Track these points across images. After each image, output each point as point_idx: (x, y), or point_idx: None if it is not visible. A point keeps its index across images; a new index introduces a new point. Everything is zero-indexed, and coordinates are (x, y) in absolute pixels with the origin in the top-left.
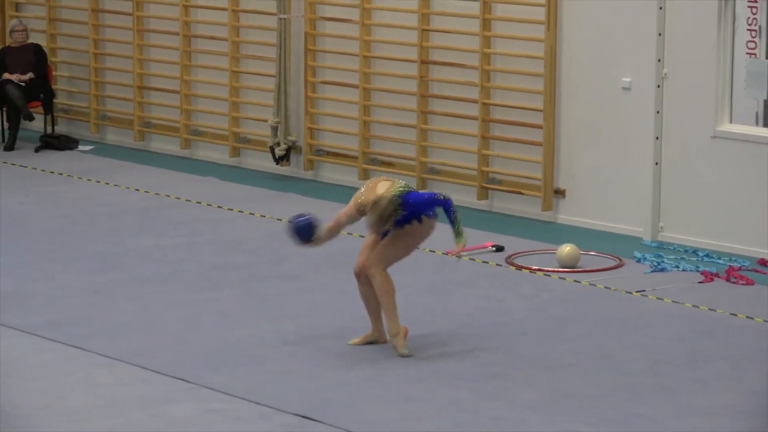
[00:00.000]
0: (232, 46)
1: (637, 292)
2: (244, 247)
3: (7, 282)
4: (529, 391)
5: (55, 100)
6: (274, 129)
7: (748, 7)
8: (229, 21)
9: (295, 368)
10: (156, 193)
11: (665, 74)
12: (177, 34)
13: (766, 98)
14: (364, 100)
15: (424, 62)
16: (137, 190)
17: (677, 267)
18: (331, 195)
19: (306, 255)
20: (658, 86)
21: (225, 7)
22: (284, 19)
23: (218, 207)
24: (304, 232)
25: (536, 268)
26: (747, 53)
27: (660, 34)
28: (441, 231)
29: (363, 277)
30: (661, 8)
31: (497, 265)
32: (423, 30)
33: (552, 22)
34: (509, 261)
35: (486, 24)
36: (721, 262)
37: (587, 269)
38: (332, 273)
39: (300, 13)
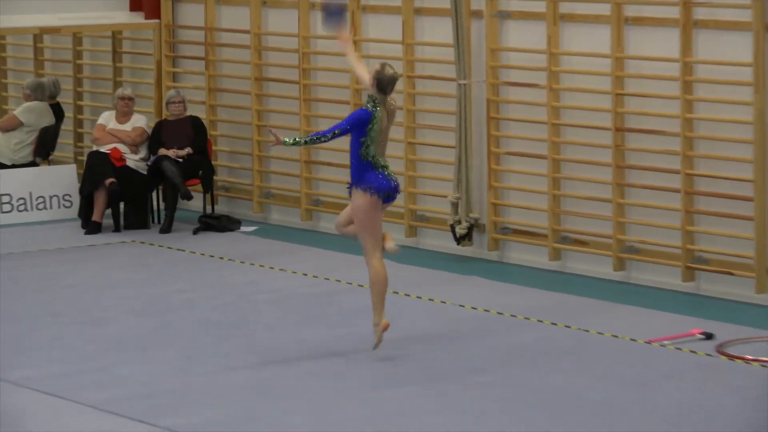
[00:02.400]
0: (407, 115)
1: None
2: (423, 337)
3: (166, 379)
4: None
5: (215, 177)
6: (455, 205)
7: None
8: (404, 88)
9: None
10: (326, 278)
11: None
12: (347, 103)
13: None
14: (554, 172)
15: (619, 129)
16: (305, 274)
17: None
18: (518, 278)
19: (492, 346)
20: None
21: (399, 73)
22: (464, 84)
23: (394, 292)
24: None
25: (751, 358)
26: None
27: None
28: (636, 316)
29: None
30: None
31: (707, 354)
32: (617, 94)
33: (761, 83)
34: (720, 350)
35: (687, 87)
36: None
37: None
38: (521, 366)
39: (481, 77)
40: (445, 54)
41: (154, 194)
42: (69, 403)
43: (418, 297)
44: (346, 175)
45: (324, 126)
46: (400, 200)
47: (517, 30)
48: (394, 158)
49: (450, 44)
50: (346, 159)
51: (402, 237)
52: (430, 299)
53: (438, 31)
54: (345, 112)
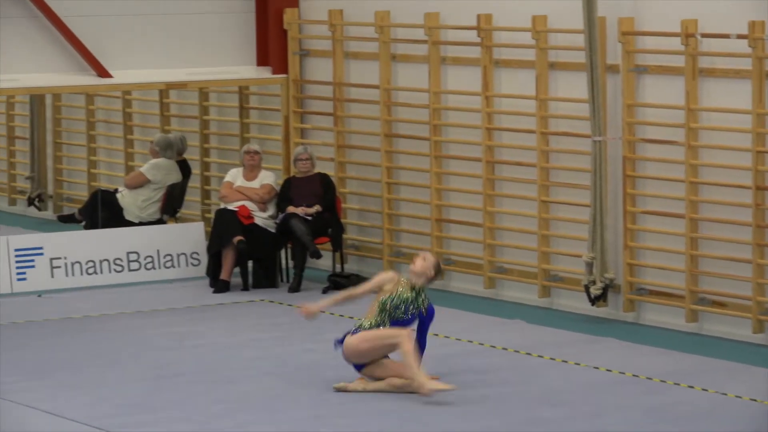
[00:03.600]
0: (540, 172)
1: None
2: (556, 400)
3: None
4: None
5: (344, 236)
6: (589, 265)
7: None
8: (537, 145)
9: None
10: (457, 338)
11: None
12: (479, 160)
13: None
14: (692, 232)
15: (760, 188)
16: (436, 335)
17: None
18: (654, 340)
19: (628, 409)
20: None
21: (533, 129)
22: (599, 141)
23: (526, 354)
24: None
25: None
26: None
27: None
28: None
29: None
30: None
31: None
32: (758, 152)
33: None
34: None
35: None
36: None
37: None
38: (658, 429)
39: (617, 134)
40: (579, 110)
41: (282, 252)
42: None
43: (551, 359)
44: (478, 234)
45: (455, 184)
46: (532, 260)
47: (654, 85)
48: (526, 217)
49: (585, 100)
50: (479, 217)
51: (535, 297)
52: (564, 361)
53: (572, 87)
54: (477, 169)
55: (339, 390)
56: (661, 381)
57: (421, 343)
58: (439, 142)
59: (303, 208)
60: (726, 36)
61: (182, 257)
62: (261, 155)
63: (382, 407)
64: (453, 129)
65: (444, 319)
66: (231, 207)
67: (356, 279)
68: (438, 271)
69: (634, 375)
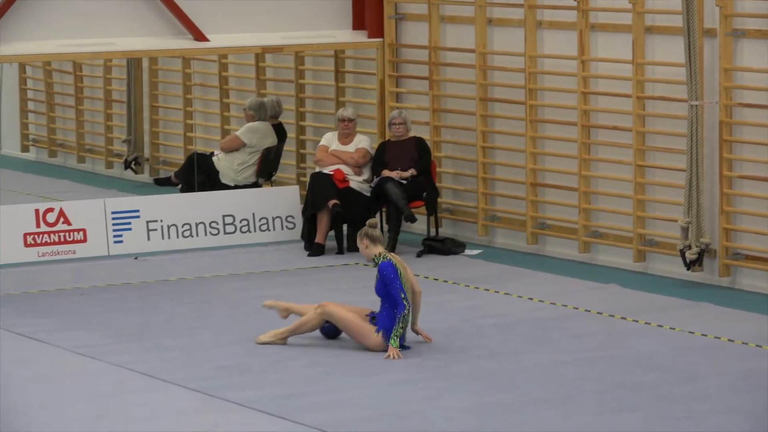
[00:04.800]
0: (637, 137)
1: None
2: (651, 364)
3: (388, 404)
4: None
5: (439, 200)
6: (685, 230)
7: None
8: (633, 109)
9: None
10: (552, 303)
11: None
12: (575, 124)
13: None
14: None
15: None
16: (531, 299)
17: None
18: (750, 304)
19: (722, 374)
20: None
21: (629, 93)
22: (696, 106)
23: (621, 318)
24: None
25: None
26: None
27: None
28: None
29: None
30: None
31: None
32: None
33: None
34: None
35: None
36: None
37: None
38: (751, 394)
39: (714, 99)
40: (676, 74)
41: (377, 216)
42: (290, 423)
43: (646, 323)
44: (573, 199)
45: (550, 148)
46: (628, 224)
47: (752, 49)
48: (622, 182)
49: (681, 64)
50: (574, 182)
51: (630, 262)
52: (659, 325)
53: (669, 51)
54: (572, 133)
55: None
56: (757, 346)
57: (391, 300)
58: (534, 107)
59: (398, 171)
60: None
61: (277, 220)
62: (355, 122)
63: (477, 369)
64: (548, 93)
65: (539, 283)
66: (326, 171)
67: (450, 243)
68: (363, 237)
69: (729, 340)
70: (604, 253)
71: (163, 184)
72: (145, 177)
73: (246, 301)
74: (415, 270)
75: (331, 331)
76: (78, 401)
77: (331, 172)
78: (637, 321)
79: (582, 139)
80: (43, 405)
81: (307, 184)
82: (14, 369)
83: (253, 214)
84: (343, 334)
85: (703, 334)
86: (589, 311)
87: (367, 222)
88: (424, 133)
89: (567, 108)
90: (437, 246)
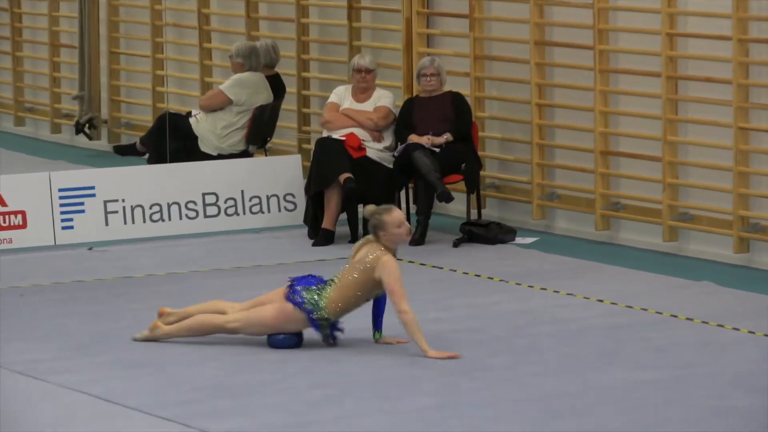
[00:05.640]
0: (737, 91)
1: None
2: (755, 385)
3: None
4: None
5: (482, 173)
6: None
7: None
8: (733, 56)
9: None
10: (628, 306)
11: None
12: (658, 75)
13: None
14: None
15: None
16: (600, 300)
17: None
18: None
19: None
20: None
21: (728, 35)
22: None
23: (717, 326)
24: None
25: None
26: None
27: None
28: None
29: None
30: None
31: None
32: None
33: None
34: None
35: None
36: None
37: None
38: None
39: None
40: None
41: (402, 194)
42: None
43: (750, 332)
44: (656, 171)
45: (626, 105)
46: (726, 204)
47: None
48: (717, 149)
49: None
50: (657, 149)
51: (729, 252)
52: (765, 335)
53: None
54: (655, 87)
55: (140, 339)
56: None
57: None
58: (605, 52)
59: (429, 137)
60: None
61: (273, 200)
62: (375, 72)
63: (529, 392)
64: (624, 35)
65: (611, 281)
66: (336, 135)
67: (497, 228)
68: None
69: None
70: (696, 242)
71: (125, 153)
72: (103, 144)
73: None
74: (451, 263)
75: (284, 341)
76: None
77: (343, 138)
78: (737, 329)
79: (667, 94)
80: None
81: (312, 152)
82: None
83: (242, 191)
84: (306, 341)
85: None
86: (676, 317)
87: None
88: (463, 88)
89: (648, 54)
90: (480, 232)
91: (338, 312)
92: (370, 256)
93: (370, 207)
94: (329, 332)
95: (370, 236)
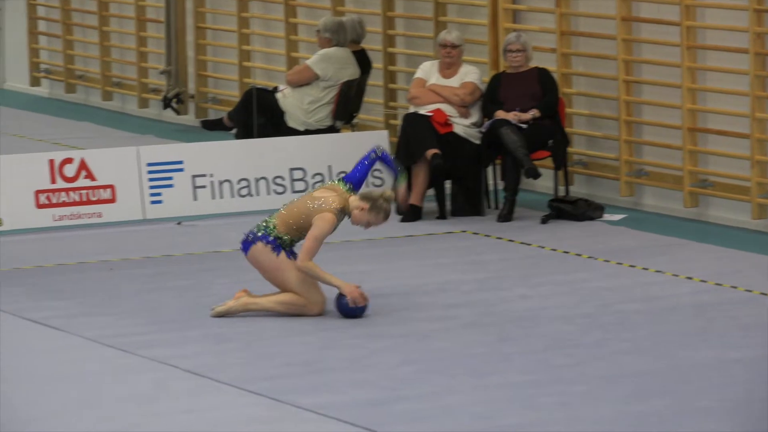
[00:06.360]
0: None
1: None
2: None
3: (506, 412)
4: None
5: (569, 149)
6: None
7: None
8: None
9: None
10: (717, 284)
11: None
12: (746, 51)
13: None
14: None
15: None
16: (690, 278)
17: None
18: None
19: None
20: None
21: None
22: None
23: None
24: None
25: None
26: None
27: None
28: None
29: None
30: None
31: None
32: None
33: None
34: None
35: None
36: None
37: None
38: None
39: None
40: None
41: (489, 170)
42: None
43: None
44: (745, 148)
45: (714, 82)
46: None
47: None
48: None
49: None
50: (745, 126)
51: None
52: None
53: None
54: (743, 64)
55: (219, 315)
56: None
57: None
58: (692, 29)
59: (516, 113)
60: None
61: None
62: (461, 48)
63: (619, 369)
64: (711, 11)
65: (700, 258)
66: (423, 111)
67: (585, 205)
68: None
69: None
70: None
71: (212, 128)
72: (190, 118)
73: None
74: (539, 240)
75: (351, 310)
76: (104, 407)
77: (430, 113)
78: None
79: (755, 71)
80: (58, 412)
81: (399, 128)
82: (23, 365)
83: (329, 167)
84: (369, 311)
85: None
86: (765, 295)
87: (383, 193)
88: (550, 64)
89: (735, 30)
90: (568, 209)
91: (291, 228)
92: (322, 204)
93: (389, 192)
94: (290, 250)
95: (337, 184)
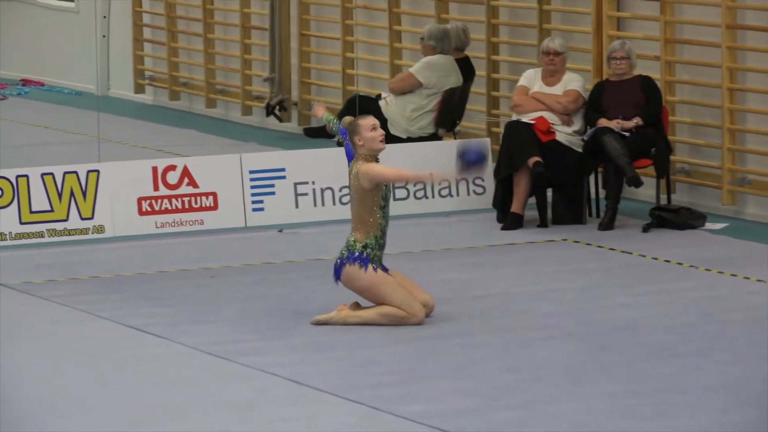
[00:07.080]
0: None
1: None
2: None
3: (607, 420)
4: None
5: (672, 158)
6: None
7: None
8: None
9: None
10: (759, 279)
11: None
12: None
13: None
14: None
15: None
16: (735, 275)
17: None
18: None
19: None
20: None
21: None
22: None
23: None
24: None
25: None
26: None
27: None
28: None
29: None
30: None
31: None
32: None
33: None
34: None
35: None
36: None
37: None
38: None
39: None
40: None
41: (591, 178)
42: None
43: None
44: None
45: None
46: None
47: None
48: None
49: None
50: None
51: None
52: None
53: None
54: None
55: (318, 323)
56: None
57: None
58: None
59: (618, 121)
60: None
61: (462, 183)
62: (564, 55)
63: (720, 379)
64: None
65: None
66: (526, 119)
67: (687, 214)
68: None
69: None
70: None
71: (315, 135)
72: (293, 126)
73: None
74: (640, 248)
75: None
76: (205, 414)
77: (533, 121)
78: None
79: None
80: (160, 419)
81: (501, 136)
82: (124, 372)
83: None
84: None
85: None
86: None
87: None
88: (654, 71)
89: None
90: (670, 218)
91: (369, 231)
92: (354, 171)
93: (348, 117)
94: (380, 253)
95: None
